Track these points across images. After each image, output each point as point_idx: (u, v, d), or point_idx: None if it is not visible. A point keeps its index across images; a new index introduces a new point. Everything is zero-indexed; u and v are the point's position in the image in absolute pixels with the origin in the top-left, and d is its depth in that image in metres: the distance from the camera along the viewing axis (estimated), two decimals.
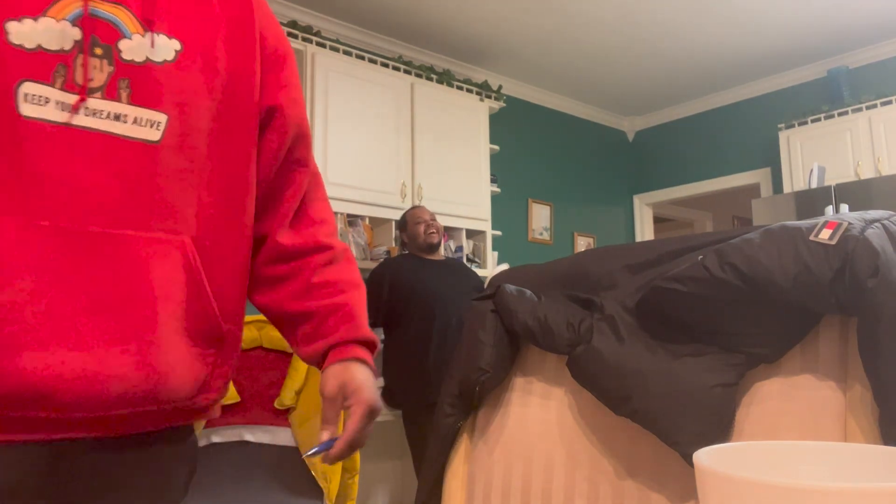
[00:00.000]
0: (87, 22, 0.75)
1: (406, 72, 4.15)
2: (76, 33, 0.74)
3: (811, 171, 4.11)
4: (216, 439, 2.44)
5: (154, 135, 0.78)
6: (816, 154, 4.59)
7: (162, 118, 0.78)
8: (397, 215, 3.98)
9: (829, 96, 4.85)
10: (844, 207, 3.84)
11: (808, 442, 0.58)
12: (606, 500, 1.13)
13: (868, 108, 4.44)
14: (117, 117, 0.76)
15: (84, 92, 0.74)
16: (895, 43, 4.68)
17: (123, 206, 0.75)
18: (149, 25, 0.79)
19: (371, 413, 0.86)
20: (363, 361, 0.90)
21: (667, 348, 1.07)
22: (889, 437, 0.85)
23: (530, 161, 5.32)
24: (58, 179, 0.72)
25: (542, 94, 5.43)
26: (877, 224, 0.93)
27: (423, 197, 4.08)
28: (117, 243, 0.74)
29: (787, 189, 4.71)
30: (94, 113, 0.75)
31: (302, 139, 0.96)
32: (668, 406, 1.01)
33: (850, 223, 0.92)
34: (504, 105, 4.74)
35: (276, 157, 0.92)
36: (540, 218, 5.31)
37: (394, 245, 3.98)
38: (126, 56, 0.77)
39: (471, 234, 4.40)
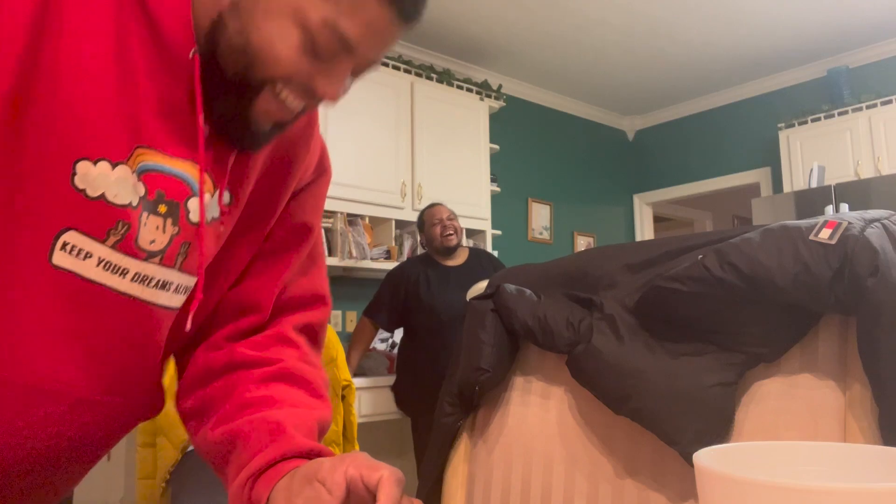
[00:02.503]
0: (153, 178, 0.63)
1: (406, 71, 4.15)
2: (140, 188, 0.62)
3: (811, 170, 4.11)
4: None
5: (179, 301, 0.69)
6: (816, 153, 4.59)
7: (192, 282, 0.69)
8: (397, 215, 3.98)
9: (829, 96, 4.85)
10: (844, 207, 3.84)
11: (808, 442, 0.58)
12: (606, 499, 1.13)
13: (868, 107, 4.44)
14: (164, 286, 0.66)
15: (142, 256, 0.63)
16: (895, 43, 4.68)
17: (125, 376, 0.67)
18: (218, 182, 0.68)
19: (398, 479, 0.58)
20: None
21: (666, 347, 1.07)
22: (888, 436, 0.85)
23: (530, 160, 5.32)
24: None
25: (542, 93, 5.43)
26: (876, 223, 0.93)
27: (423, 196, 4.08)
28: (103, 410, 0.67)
29: (786, 188, 4.71)
30: (144, 280, 0.64)
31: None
32: (668, 405, 1.01)
33: (849, 222, 0.92)
34: (504, 104, 4.74)
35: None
36: (540, 217, 5.31)
37: (393, 245, 3.98)
38: (193, 218, 0.66)
39: (471, 233, 4.41)
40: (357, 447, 2.39)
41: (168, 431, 2.33)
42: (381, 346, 3.92)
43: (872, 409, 0.90)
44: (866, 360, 0.89)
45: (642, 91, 5.50)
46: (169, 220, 0.64)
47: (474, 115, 4.45)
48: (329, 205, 3.68)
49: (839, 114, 4.54)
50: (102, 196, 0.60)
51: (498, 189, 4.70)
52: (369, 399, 3.42)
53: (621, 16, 4.25)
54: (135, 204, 0.62)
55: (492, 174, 4.57)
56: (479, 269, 3.33)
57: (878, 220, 0.95)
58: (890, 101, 4.36)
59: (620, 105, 5.82)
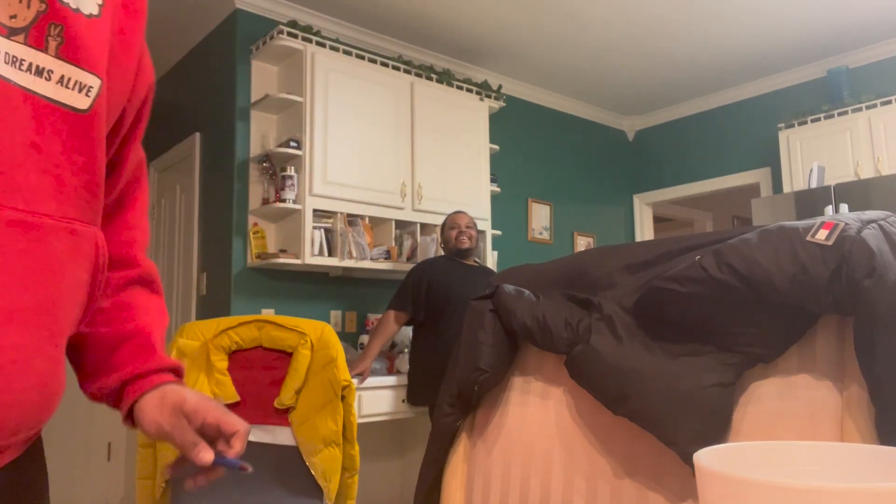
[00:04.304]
0: None
1: (406, 71, 4.15)
2: None
3: (811, 170, 4.11)
4: None
5: (83, 102, 0.61)
6: (816, 154, 4.59)
7: (95, 82, 0.62)
8: (397, 215, 3.99)
9: (829, 96, 4.85)
10: (844, 207, 3.84)
11: (807, 442, 0.59)
12: (604, 499, 1.13)
13: (868, 108, 4.44)
14: (39, 72, 0.58)
15: (4, 32, 0.55)
16: (895, 43, 4.69)
17: (38, 186, 0.58)
18: None
19: (247, 431, 0.72)
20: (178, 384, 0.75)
21: (665, 348, 1.07)
22: (885, 436, 0.86)
23: (530, 161, 5.32)
24: None
25: (542, 93, 5.43)
26: (873, 224, 0.93)
27: (423, 197, 4.09)
28: (32, 232, 0.58)
29: (786, 189, 4.71)
30: (13, 61, 0.56)
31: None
32: (666, 405, 1.01)
33: (846, 224, 0.92)
34: (504, 105, 4.74)
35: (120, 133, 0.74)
36: (540, 217, 5.32)
37: (393, 245, 3.99)
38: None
39: None
40: (357, 448, 2.40)
41: None
42: None
43: (869, 408, 0.90)
44: (863, 360, 0.89)
45: (642, 91, 5.50)
46: None
47: (474, 115, 4.46)
48: (329, 205, 3.69)
49: (839, 114, 4.54)
50: None
51: (498, 189, 4.71)
52: (369, 399, 3.42)
53: (621, 16, 4.26)
54: None
55: (492, 174, 4.57)
56: (489, 274, 3.65)
57: (874, 221, 0.95)
58: (890, 101, 4.36)
59: (620, 105, 5.82)
